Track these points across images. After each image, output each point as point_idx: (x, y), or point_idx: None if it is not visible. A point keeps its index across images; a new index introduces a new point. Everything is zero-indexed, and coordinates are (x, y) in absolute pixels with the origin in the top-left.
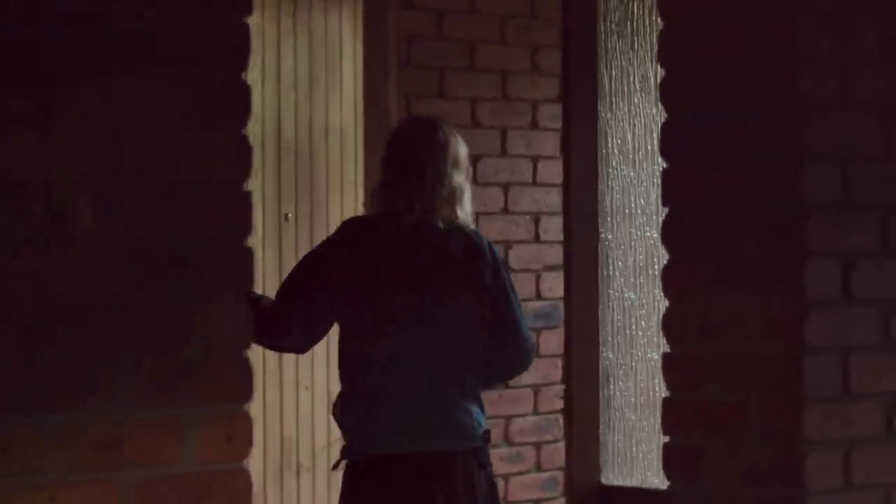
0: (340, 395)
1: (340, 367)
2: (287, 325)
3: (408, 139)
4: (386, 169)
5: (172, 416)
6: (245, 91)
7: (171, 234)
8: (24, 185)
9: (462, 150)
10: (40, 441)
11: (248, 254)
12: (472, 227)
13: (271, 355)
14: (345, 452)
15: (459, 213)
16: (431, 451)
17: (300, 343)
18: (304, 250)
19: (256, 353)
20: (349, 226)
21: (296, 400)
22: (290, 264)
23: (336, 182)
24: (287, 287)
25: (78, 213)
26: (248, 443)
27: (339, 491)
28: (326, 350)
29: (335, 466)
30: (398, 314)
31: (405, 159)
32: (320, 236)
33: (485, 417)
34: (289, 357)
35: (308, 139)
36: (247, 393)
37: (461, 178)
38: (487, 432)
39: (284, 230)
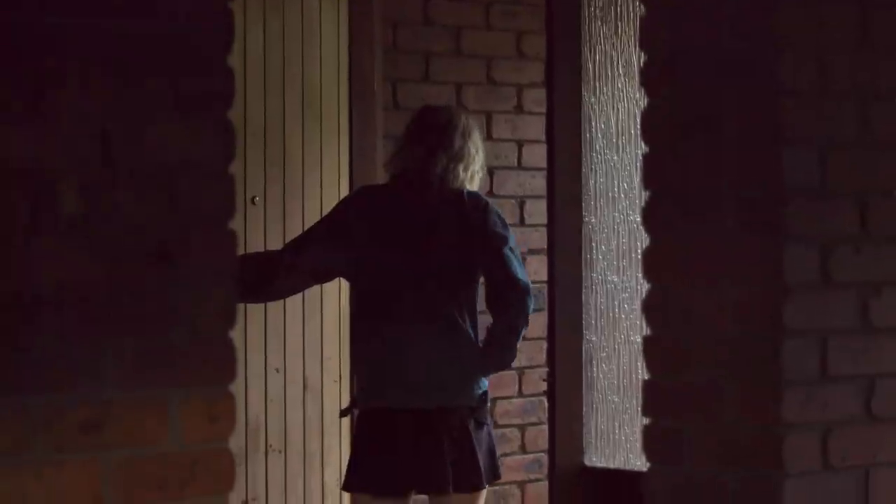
0: (350, 349)
1: (350, 322)
2: (290, 268)
3: (426, 116)
4: (403, 140)
5: (156, 396)
6: (229, 76)
7: (155, 218)
8: (8, 174)
9: (476, 132)
10: (26, 421)
11: (232, 237)
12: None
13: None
14: (352, 401)
15: (467, 183)
16: (428, 407)
17: (290, 285)
18: (275, 232)
19: None
20: (359, 192)
21: (264, 382)
22: (257, 248)
23: (314, 163)
24: (299, 238)
25: (63, 199)
26: (232, 423)
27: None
28: (301, 333)
29: (342, 414)
30: (396, 276)
31: (421, 132)
32: (294, 217)
33: (485, 379)
34: (257, 340)
35: (281, 119)
36: (230, 374)
37: (473, 152)
38: (485, 393)
39: (251, 213)
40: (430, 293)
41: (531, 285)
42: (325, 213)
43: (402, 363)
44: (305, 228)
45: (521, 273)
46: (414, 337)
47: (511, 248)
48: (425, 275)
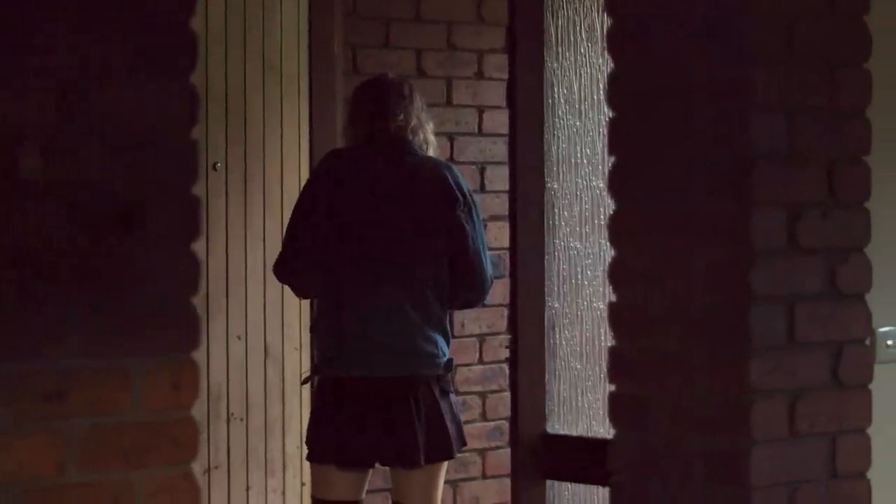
0: (313, 315)
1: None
2: (293, 266)
3: (371, 86)
4: (351, 110)
5: (119, 365)
6: (192, 39)
7: (118, 183)
8: None
9: (424, 103)
10: None
11: (196, 202)
12: (442, 160)
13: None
14: (313, 370)
15: (426, 146)
16: (393, 376)
17: (305, 282)
18: (237, 199)
19: None
20: (326, 159)
21: (226, 349)
22: (219, 214)
23: (275, 129)
24: (288, 228)
25: (24, 163)
26: (195, 391)
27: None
28: (262, 299)
29: (304, 382)
30: (364, 244)
31: (367, 101)
32: (255, 183)
33: (448, 346)
34: (218, 306)
35: (242, 85)
36: (194, 341)
37: (424, 117)
38: (450, 361)
39: (213, 179)
40: (400, 262)
41: (492, 279)
42: (284, 179)
43: (369, 332)
44: (266, 194)
45: (483, 268)
46: (382, 305)
47: (475, 241)
48: (396, 243)
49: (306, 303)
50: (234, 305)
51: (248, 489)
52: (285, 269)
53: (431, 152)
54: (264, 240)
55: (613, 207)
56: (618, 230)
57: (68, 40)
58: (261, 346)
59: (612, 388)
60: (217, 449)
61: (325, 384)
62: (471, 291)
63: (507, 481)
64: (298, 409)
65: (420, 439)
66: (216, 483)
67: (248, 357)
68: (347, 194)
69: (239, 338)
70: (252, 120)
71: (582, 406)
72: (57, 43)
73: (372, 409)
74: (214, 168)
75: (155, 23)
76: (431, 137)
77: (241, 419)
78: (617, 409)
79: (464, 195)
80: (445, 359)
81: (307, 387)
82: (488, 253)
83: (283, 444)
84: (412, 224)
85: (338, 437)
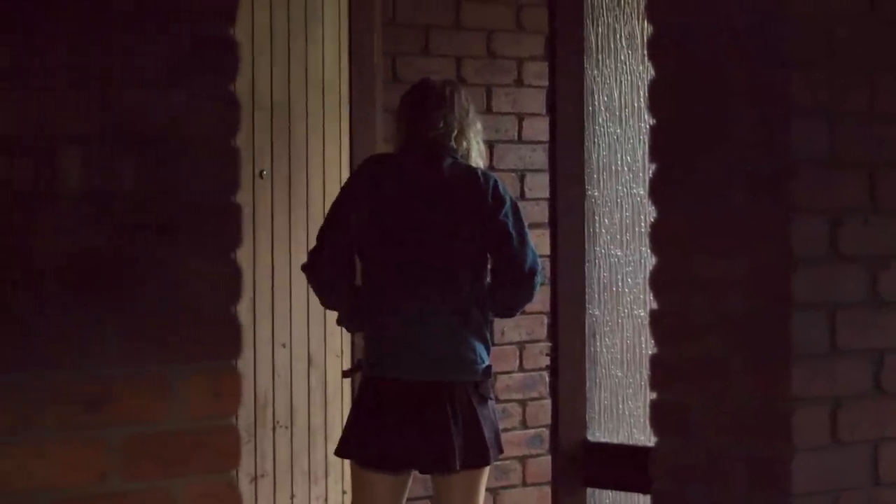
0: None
1: (360, 293)
2: (319, 260)
3: (414, 91)
4: (396, 116)
5: (161, 373)
6: (233, 46)
7: (159, 190)
8: (8, 142)
9: (472, 106)
10: (29, 399)
11: (237, 210)
12: (483, 168)
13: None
14: (355, 366)
15: (472, 153)
16: (431, 380)
17: (329, 276)
18: (282, 207)
19: None
20: (367, 164)
21: (271, 357)
22: (265, 222)
23: (317, 137)
24: (323, 226)
25: (64, 170)
26: (237, 399)
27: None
28: (306, 307)
29: (345, 375)
30: (407, 248)
31: (409, 106)
32: (299, 193)
33: (488, 353)
34: (264, 313)
35: (286, 93)
36: (235, 349)
37: (468, 121)
38: (489, 368)
39: (259, 187)
40: (442, 267)
41: (539, 263)
42: (326, 186)
43: (410, 336)
44: (309, 202)
45: (529, 254)
46: (425, 310)
47: (518, 230)
48: (437, 248)
49: None
50: (279, 312)
51: (292, 497)
52: (316, 275)
53: (474, 156)
54: (308, 247)
55: (655, 214)
56: (659, 237)
57: (109, 46)
58: (304, 353)
59: (654, 395)
60: (263, 457)
61: (364, 387)
62: (519, 287)
63: (548, 489)
64: (340, 416)
65: (456, 444)
66: (262, 491)
67: (292, 365)
68: (389, 198)
69: (284, 345)
70: (295, 128)
71: (623, 413)
72: (97, 48)
73: (409, 413)
74: (261, 176)
75: (195, 30)
76: (475, 143)
77: (286, 427)
78: (658, 416)
79: (502, 200)
80: (484, 365)
81: (348, 394)
82: (538, 255)
83: (326, 452)
84: (452, 229)
85: (376, 441)
